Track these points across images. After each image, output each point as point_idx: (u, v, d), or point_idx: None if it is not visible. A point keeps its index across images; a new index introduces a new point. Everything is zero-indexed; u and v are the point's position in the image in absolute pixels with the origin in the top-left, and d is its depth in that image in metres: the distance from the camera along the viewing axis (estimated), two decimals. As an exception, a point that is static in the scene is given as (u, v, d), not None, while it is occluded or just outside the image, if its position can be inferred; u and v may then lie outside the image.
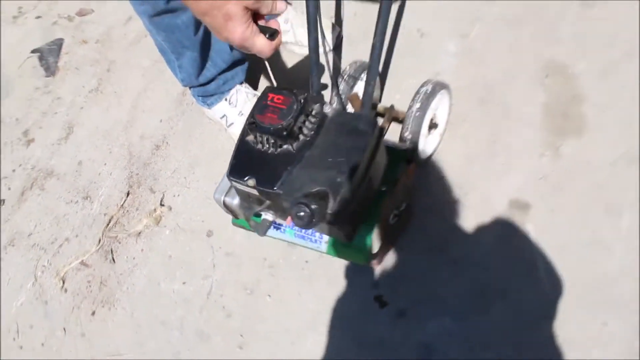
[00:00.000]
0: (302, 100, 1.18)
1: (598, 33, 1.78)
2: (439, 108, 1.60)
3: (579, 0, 1.86)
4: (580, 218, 1.50)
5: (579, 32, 1.80)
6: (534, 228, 1.51)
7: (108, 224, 1.86)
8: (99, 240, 1.84)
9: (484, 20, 1.91)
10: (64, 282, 1.79)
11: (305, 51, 1.95)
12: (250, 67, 1.87)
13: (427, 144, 1.59)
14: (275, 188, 1.17)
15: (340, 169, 1.16)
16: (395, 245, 1.56)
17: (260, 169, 1.20)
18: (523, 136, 1.65)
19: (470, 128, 1.70)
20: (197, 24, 1.60)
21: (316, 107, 1.24)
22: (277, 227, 1.39)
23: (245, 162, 1.22)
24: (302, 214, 1.08)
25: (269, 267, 1.65)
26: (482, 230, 1.54)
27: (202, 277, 1.68)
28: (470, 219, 1.57)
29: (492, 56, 1.82)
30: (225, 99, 1.84)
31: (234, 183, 1.23)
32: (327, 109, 1.27)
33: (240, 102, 1.83)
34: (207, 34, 1.66)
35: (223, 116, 1.87)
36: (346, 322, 1.51)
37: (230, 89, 1.83)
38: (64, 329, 1.71)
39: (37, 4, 2.60)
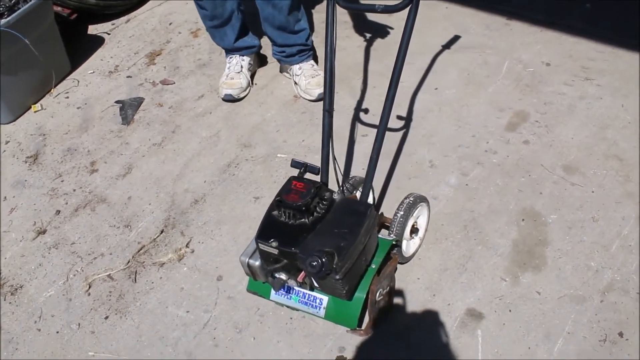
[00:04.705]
0: (317, 188, 1.60)
1: (573, 196, 2.17)
2: (420, 216, 1.97)
3: (563, 167, 2.26)
4: (522, 336, 1.80)
5: (557, 191, 2.18)
6: (482, 334, 1.82)
7: (139, 251, 2.22)
8: (128, 262, 2.18)
9: (484, 166, 2.32)
10: (89, 287, 2.12)
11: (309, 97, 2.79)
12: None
13: (409, 246, 1.95)
14: (293, 248, 1.54)
15: (344, 237, 1.55)
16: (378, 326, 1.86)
17: (282, 235, 1.59)
18: (491, 262, 2.00)
19: (450, 245, 2.06)
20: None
21: (327, 194, 1.65)
22: (284, 293, 1.75)
23: (270, 229, 1.62)
24: (314, 263, 1.46)
25: (259, 315, 1.96)
26: (439, 326, 1.85)
27: (204, 311, 2.00)
28: (431, 316, 1.88)
29: (482, 194, 2.21)
30: (230, 57, 2.84)
31: (260, 244, 1.60)
32: (336, 196, 1.67)
33: (232, 63, 2.84)
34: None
35: (227, 67, 2.85)
36: (311, 373, 1.80)
37: (233, 55, 2.83)
38: (79, 324, 2.02)
39: (131, 66, 3.14)
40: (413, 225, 1.94)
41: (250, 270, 1.70)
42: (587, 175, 2.24)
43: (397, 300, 1.92)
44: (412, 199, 1.91)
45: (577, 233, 2.05)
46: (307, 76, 2.72)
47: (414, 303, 1.92)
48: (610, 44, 2.84)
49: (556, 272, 1.95)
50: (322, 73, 2.76)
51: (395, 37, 3.03)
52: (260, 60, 3.03)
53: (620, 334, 1.78)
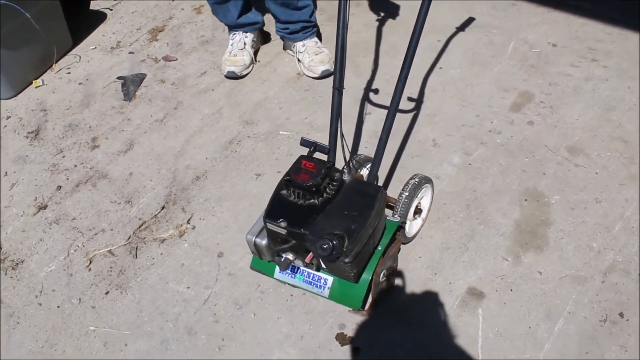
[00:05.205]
0: (328, 168, 1.57)
1: (576, 177, 2.15)
2: (424, 197, 1.96)
3: (567, 148, 2.25)
4: (522, 315, 1.80)
5: (561, 172, 2.17)
6: (483, 313, 1.81)
7: (140, 227, 2.21)
8: (129, 237, 2.18)
9: (487, 145, 2.30)
10: (90, 263, 2.12)
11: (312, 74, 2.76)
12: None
13: (411, 226, 1.94)
14: (302, 230, 1.52)
15: (354, 219, 1.52)
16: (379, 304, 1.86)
17: (291, 215, 1.55)
18: (493, 241, 1.99)
19: (452, 224, 2.05)
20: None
21: (337, 174, 1.63)
22: (289, 273, 1.74)
23: (279, 209, 1.58)
24: (325, 246, 1.43)
25: (260, 292, 1.96)
26: (439, 305, 1.85)
27: (204, 287, 2.00)
28: (432, 294, 1.88)
29: (485, 174, 2.20)
30: (234, 34, 2.82)
31: (269, 224, 1.57)
32: (346, 177, 1.65)
33: (235, 40, 2.82)
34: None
35: (229, 44, 2.83)
36: (308, 350, 1.80)
37: (236, 32, 2.81)
38: (80, 299, 2.02)
39: (134, 42, 3.11)
40: (417, 206, 1.93)
41: (256, 249, 1.68)
42: (591, 157, 2.22)
43: (398, 278, 1.92)
44: (417, 180, 1.90)
45: (579, 214, 2.04)
46: (311, 53, 2.69)
47: (416, 282, 1.92)
48: (618, 25, 2.81)
49: (558, 252, 1.94)
50: (325, 50, 2.73)
51: (401, 15, 3.00)
52: (264, 37, 3.00)
53: (621, 315, 1.78)
